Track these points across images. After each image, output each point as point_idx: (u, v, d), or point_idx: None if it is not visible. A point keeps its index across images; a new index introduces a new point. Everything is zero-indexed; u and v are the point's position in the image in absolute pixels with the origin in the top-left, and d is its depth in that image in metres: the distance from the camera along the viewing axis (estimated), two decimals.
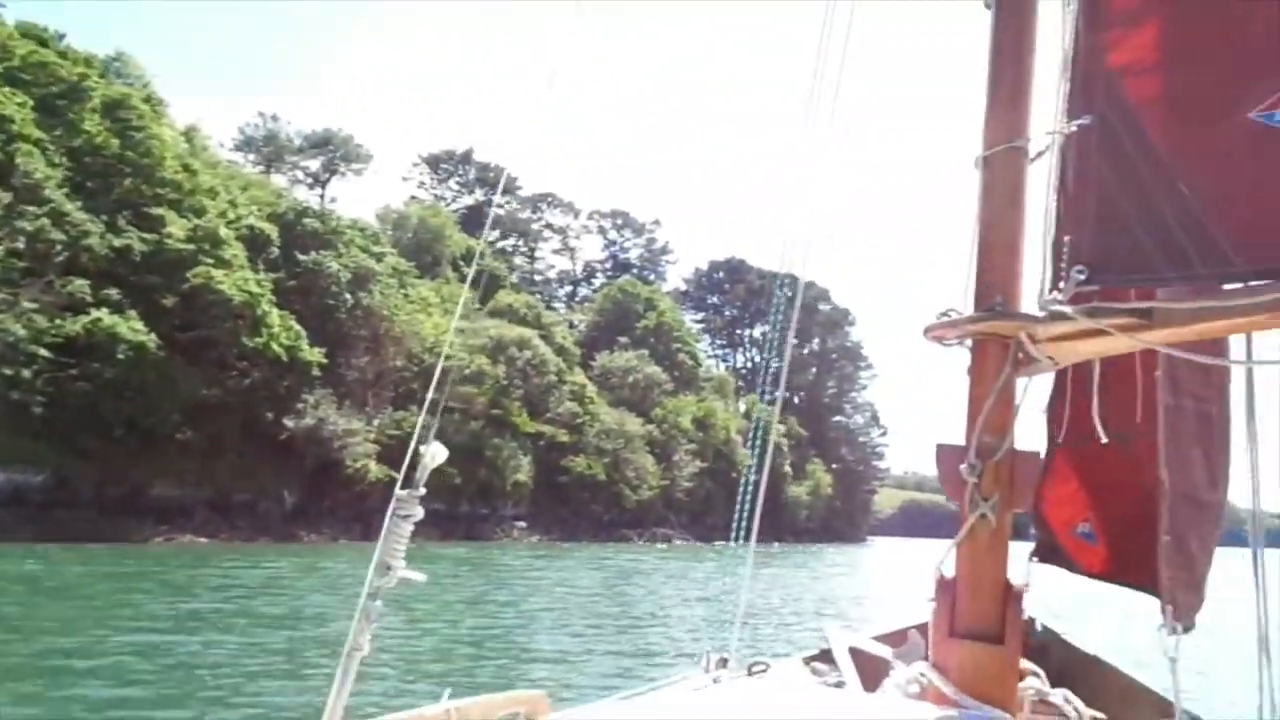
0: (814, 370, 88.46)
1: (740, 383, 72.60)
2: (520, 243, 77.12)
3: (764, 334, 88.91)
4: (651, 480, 52.94)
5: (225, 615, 13.00)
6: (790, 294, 2.68)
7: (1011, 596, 1.91)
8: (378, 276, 40.59)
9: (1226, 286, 1.76)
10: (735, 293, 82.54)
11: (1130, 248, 1.87)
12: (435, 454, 1.73)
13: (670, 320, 67.73)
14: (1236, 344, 2.08)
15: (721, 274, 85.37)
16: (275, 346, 33.31)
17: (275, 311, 33.96)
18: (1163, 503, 2.18)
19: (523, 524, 45.59)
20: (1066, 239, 1.89)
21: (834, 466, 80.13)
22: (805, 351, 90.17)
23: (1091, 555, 2.81)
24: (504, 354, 45.01)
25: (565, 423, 48.66)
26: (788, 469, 67.14)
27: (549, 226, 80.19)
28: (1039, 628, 3.41)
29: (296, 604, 14.74)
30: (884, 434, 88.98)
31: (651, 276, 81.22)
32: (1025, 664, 3.46)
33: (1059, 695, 2.66)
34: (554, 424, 47.79)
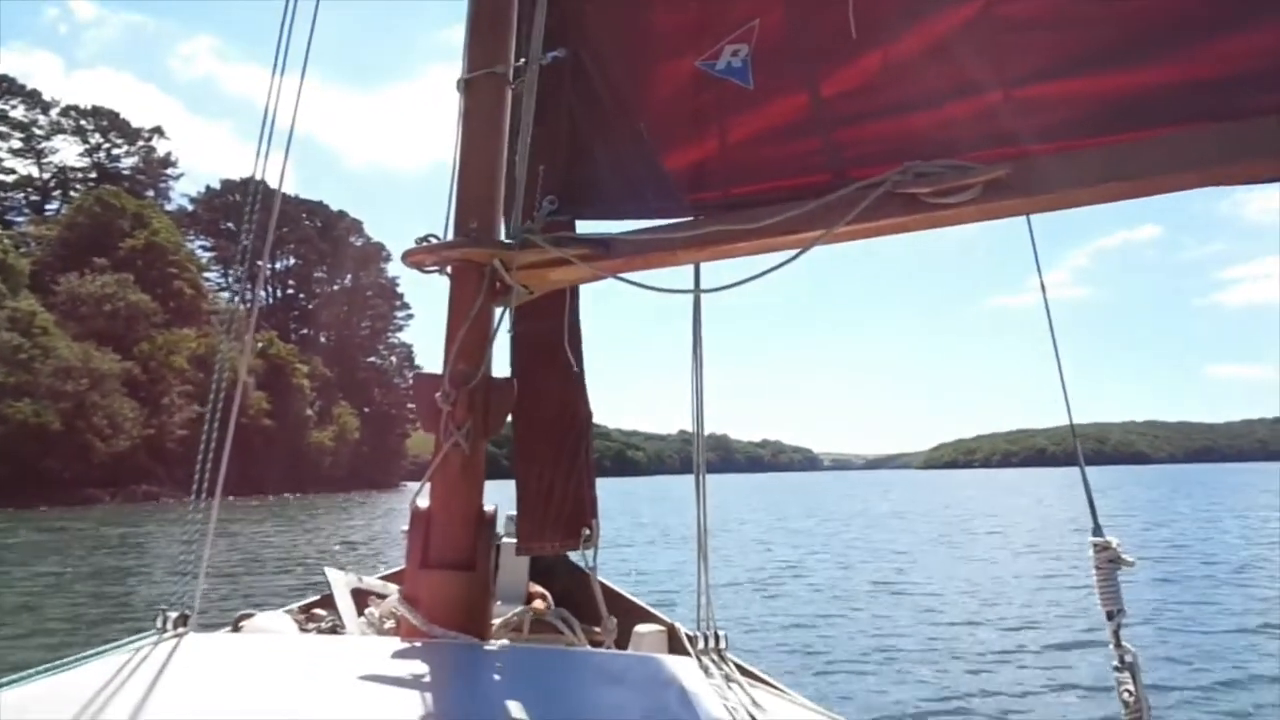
0: (345, 308, 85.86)
1: (262, 320, 67.61)
2: None
3: (288, 266, 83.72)
4: (131, 428, 46.16)
5: None
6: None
7: (484, 523, 2.01)
8: None
9: (676, 220, 2.02)
10: (254, 217, 75.79)
11: (596, 181, 2.06)
12: None
13: (167, 242, 59.60)
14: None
15: (239, 196, 77.92)
16: None
17: None
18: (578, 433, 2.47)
19: None
20: (541, 169, 2.03)
21: (365, 410, 79.11)
22: (335, 288, 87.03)
23: None
24: None
25: (4, 359, 40.36)
26: (309, 413, 64.36)
27: (4, 119, 65.50)
28: None
29: None
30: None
31: (151, 194, 71.07)
32: (534, 587, 3.74)
33: (556, 615, 2.92)
34: None
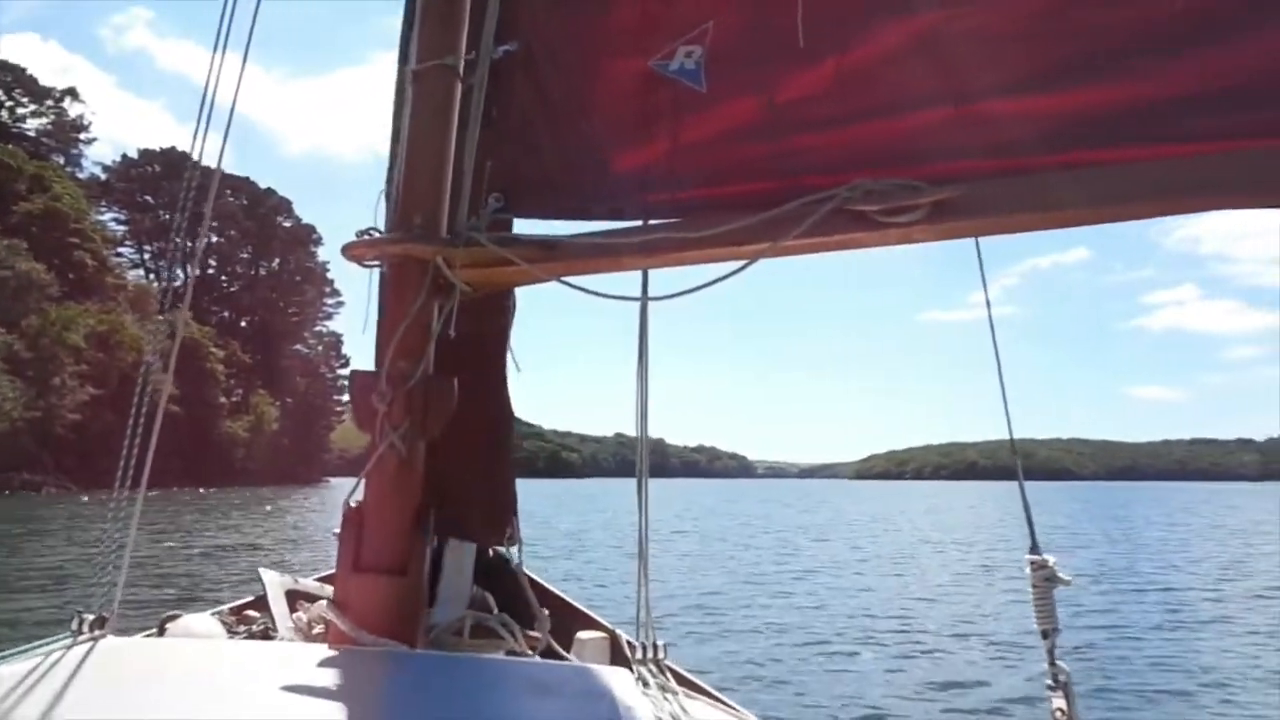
0: (273, 292, 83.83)
1: (177, 301, 65.18)
2: None
3: (209, 242, 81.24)
4: (11, 410, 42.85)
5: None
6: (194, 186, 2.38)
7: (419, 526, 1.99)
8: None
9: (624, 224, 2.02)
10: (173, 190, 73.52)
11: (545, 179, 2.06)
12: None
13: (70, 209, 56.63)
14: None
15: (158, 167, 75.25)
16: None
17: None
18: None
19: None
20: (488, 165, 2.01)
21: (288, 401, 77.36)
22: (261, 271, 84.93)
23: None
24: None
25: None
26: (223, 401, 62.43)
27: None
28: (490, 554, 3.68)
29: None
30: (344, 365, 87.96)
31: (61, 159, 68.11)
32: (475, 591, 3.74)
33: (498, 620, 2.91)
34: None
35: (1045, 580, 1.66)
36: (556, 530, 27.49)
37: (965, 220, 1.72)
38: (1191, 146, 1.61)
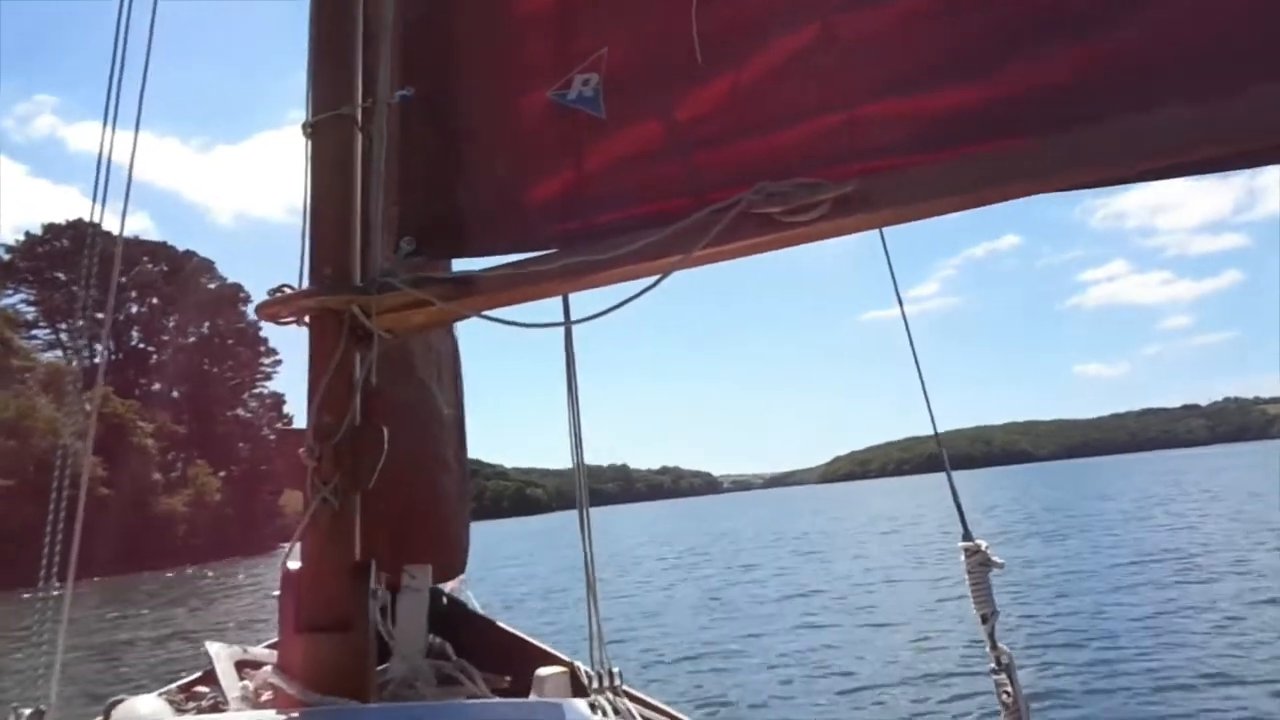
0: (204, 359, 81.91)
1: (103, 380, 63.50)
2: None
3: (129, 314, 79.23)
4: None
5: None
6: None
7: (360, 579, 1.99)
8: None
9: (538, 254, 2.06)
10: (83, 264, 71.20)
11: (456, 218, 2.09)
12: None
13: None
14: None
15: (66, 241, 73.20)
16: None
17: None
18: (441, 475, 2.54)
19: None
20: (397, 210, 2.04)
21: (232, 469, 75.43)
22: (191, 338, 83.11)
23: None
24: None
25: None
26: (157, 477, 60.52)
27: None
28: (444, 601, 3.65)
29: None
30: (289, 424, 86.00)
31: None
32: (433, 639, 3.71)
33: (456, 667, 2.90)
34: None
35: (980, 565, 1.72)
36: (525, 572, 27.24)
37: (866, 214, 1.78)
38: (1060, 134, 1.70)
